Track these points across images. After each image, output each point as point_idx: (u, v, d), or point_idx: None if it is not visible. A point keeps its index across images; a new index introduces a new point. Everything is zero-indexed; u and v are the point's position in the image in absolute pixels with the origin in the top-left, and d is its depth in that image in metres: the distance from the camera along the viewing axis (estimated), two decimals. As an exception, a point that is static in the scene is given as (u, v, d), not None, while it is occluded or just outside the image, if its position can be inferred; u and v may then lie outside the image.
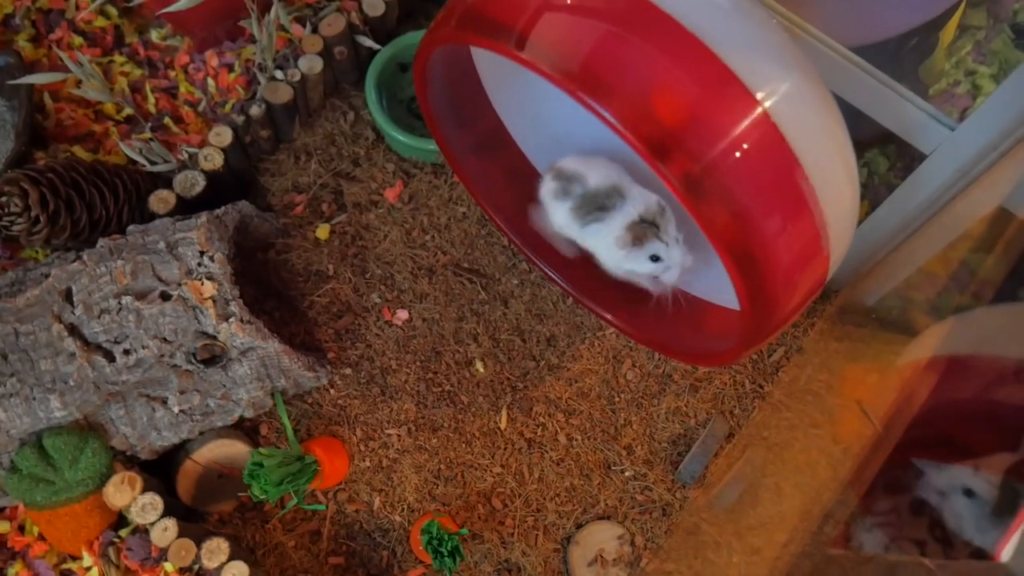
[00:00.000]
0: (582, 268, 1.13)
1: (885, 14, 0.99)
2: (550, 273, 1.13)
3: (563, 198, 0.97)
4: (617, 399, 1.13)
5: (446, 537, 0.97)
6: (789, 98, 0.73)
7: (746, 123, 0.71)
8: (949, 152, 0.89)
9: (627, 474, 1.10)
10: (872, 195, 1.08)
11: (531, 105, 1.08)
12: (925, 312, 1.20)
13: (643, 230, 0.92)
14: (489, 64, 1.02)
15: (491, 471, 1.09)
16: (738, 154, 0.72)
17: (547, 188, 0.99)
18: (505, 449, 1.10)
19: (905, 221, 1.02)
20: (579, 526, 1.07)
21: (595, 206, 0.95)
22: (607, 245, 0.96)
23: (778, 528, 1.11)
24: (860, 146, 0.80)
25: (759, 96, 0.71)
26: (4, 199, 0.99)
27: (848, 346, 1.20)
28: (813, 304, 1.18)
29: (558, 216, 0.99)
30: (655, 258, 0.94)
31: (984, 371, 1.09)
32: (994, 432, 1.07)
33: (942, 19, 1.02)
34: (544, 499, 1.08)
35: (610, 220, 0.94)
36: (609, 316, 1.10)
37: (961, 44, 1.10)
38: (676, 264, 0.94)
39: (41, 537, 0.99)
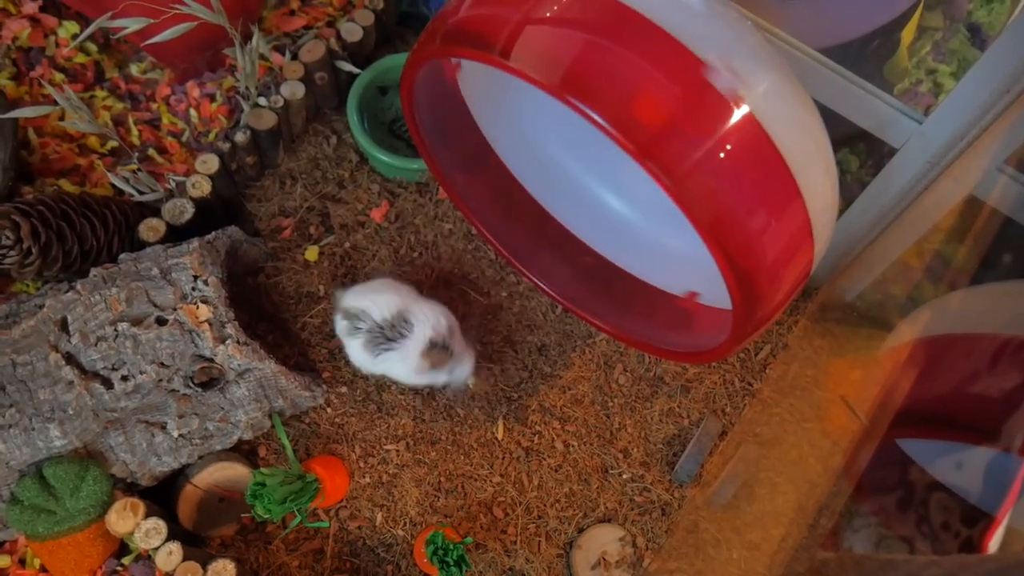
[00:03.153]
0: (570, 276, 1.16)
1: (846, 16, 1.03)
2: (539, 283, 1.15)
3: (354, 335, 1.03)
4: (611, 404, 1.15)
5: (451, 547, 0.98)
6: (770, 96, 0.76)
7: (731, 122, 0.74)
8: (918, 144, 0.93)
9: (625, 476, 1.11)
10: (846, 193, 1.12)
11: (513, 122, 1.10)
12: (903, 305, 1.23)
13: (439, 355, 1.01)
14: (472, 83, 1.05)
15: (491, 481, 1.10)
16: (724, 152, 0.74)
17: (339, 327, 1.05)
18: (503, 459, 1.11)
19: (879, 215, 1.06)
20: (580, 530, 1.08)
21: (383, 339, 1.01)
22: (403, 369, 1.03)
23: (775, 523, 1.13)
24: (831, 146, 0.84)
25: (741, 94, 0.74)
26: (-5, 233, 1.00)
27: (831, 342, 1.23)
28: (796, 302, 1.22)
29: (352, 352, 1.05)
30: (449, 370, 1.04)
31: (962, 349, 1.12)
32: (973, 407, 1.10)
33: (901, 20, 1.07)
34: (545, 506, 1.09)
35: (402, 347, 1.01)
36: (598, 322, 1.12)
37: (921, 44, 1.15)
38: (468, 367, 1.06)
39: (43, 569, 0.99)
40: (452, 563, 0.98)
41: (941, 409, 1.13)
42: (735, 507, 1.13)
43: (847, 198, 1.10)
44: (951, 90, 0.88)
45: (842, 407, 1.20)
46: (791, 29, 0.97)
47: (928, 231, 1.10)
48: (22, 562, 1.00)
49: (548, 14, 0.77)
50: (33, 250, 1.00)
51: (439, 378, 1.05)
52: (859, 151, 1.19)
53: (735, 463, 1.14)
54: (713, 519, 1.12)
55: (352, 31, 1.24)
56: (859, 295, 1.23)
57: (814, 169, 0.80)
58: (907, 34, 1.11)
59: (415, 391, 1.13)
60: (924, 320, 1.19)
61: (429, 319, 1.01)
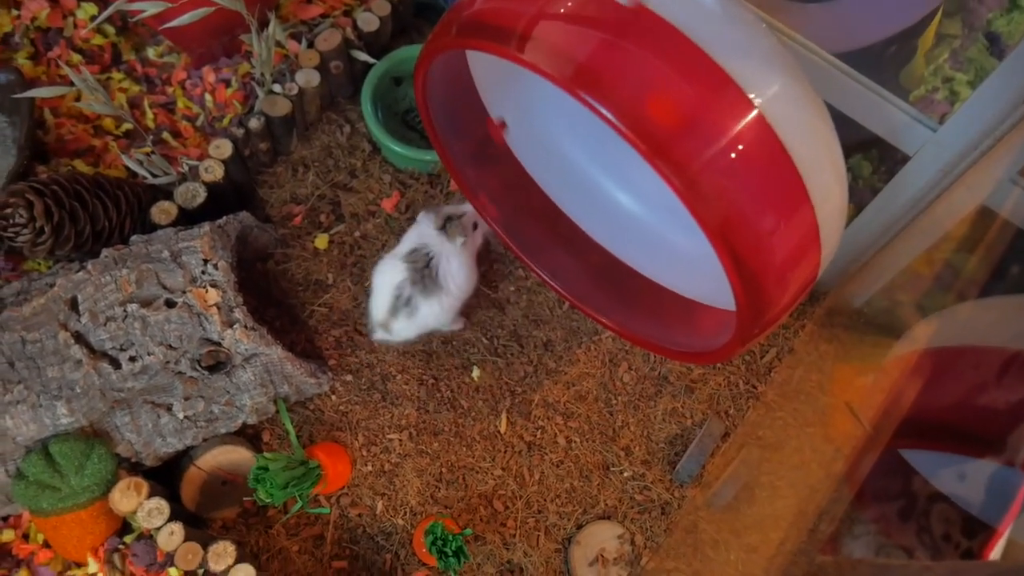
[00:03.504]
0: (578, 272, 1.16)
1: (864, 22, 1.03)
2: (547, 278, 1.15)
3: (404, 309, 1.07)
4: (614, 401, 1.15)
5: (450, 537, 0.99)
6: (782, 100, 0.75)
7: (742, 123, 0.74)
8: (932, 152, 0.93)
9: (626, 474, 1.12)
10: (857, 199, 1.12)
11: (526, 116, 1.10)
12: (911, 312, 1.23)
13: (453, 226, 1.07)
14: (485, 75, 1.05)
15: (492, 474, 1.10)
16: (734, 153, 0.74)
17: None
18: (505, 452, 1.11)
19: (890, 222, 1.05)
20: (580, 526, 1.09)
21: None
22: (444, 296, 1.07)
23: (774, 526, 1.13)
24: (844, 152, 0.83)
25: (753, 97, 0.74)
26: (9, 211, 1.00)
27: (837, 347, 1.23)
28: (803, 306, 1.21)
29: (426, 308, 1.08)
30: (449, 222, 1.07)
31: (969, 361, 1.12)
32: (979, 420, 1.09)
33: (919, 27, 1.06)
34: (545, 500, 1.10)
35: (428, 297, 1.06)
36: (605, 319, 1.12)
37: (938, 52, 1.14)
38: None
39: (46, 544, 1.00)
40: (451, 554, 0.98)
41: (946, 420, 1.13)
42: (735, 509, 1.14)
43: (858, 203, 1.10)
44: (967, 99, 0.88)
45: (846, 413, 1.20)
46: (809, 33, 0.96)
47: (939, 240, 1.10)
48: (26, 537, 1.01)
49: (563, 9, 0.77)
50: (46, 229, 1.01)
51: (456, 244, 1.07)
52: (872, 157, 1.18)
53: (736, 465, 1.14)
54: (712, 520, 1.12)
55: (369, 21, 1.24)
56: (867, 301, 1.22)
57: (824, 173, 0.80)
58: (925, 41, 1.11)
59: (420, 382, 1.13)
60: (932, 330, 1.18)
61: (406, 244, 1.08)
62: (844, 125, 0.97)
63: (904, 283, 1.19)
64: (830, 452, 1.18)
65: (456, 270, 1.07)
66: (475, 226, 1.12)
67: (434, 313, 1.07)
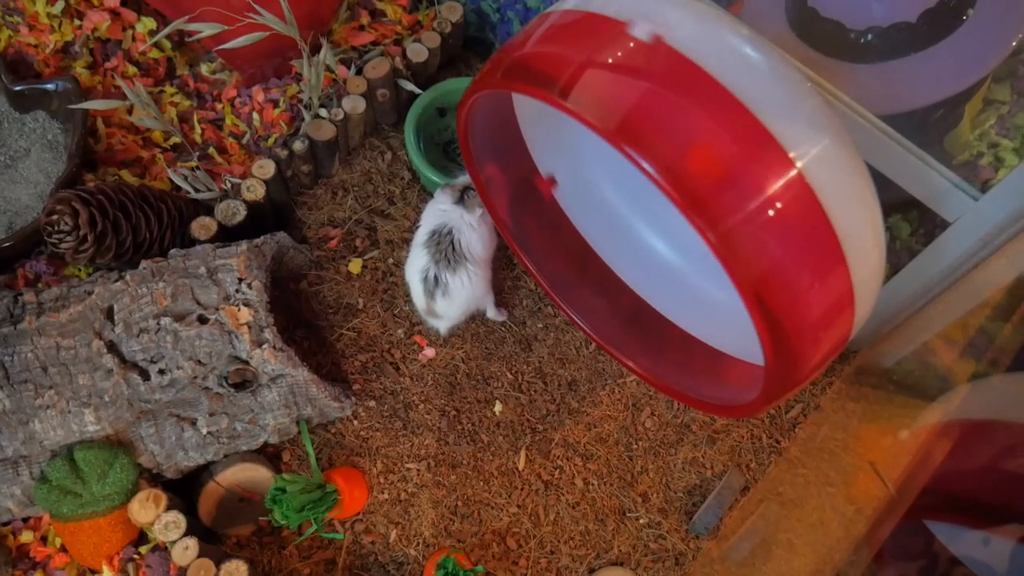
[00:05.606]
0: (608, 315, 1.16)
1: (914, 85, 1.02)
2: (575, 318, 1.15)
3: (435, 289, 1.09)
4: (635, 446, 1.14)
5: (462, 572, 0.98)
6: (823, 160, 0.75)
7: (781, 182, 0.73)
8: (973, 221, 0.92)
9: (642, 521, 1.11)
10: (894, 259, 1.11)
11: (567, 158, 1.11)
12: (942, 377, 1.21)
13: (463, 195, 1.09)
14: (535, 127, 1.06)
15: (507, 511, 1.10)
16: (771, 211, 0.74)
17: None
18: (522, 489, 1.11)
19: (926, 286, 1.04)
20: (591, 570, 1.08)
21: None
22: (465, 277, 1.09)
23: (789, 585, 1.11)
24: (883, 211, 0.83)
25: (794, 156, 0.74)
26: (55, 217, 1.03)
27: (864, 407, 1.21)
28: (832, 364, 1.20)
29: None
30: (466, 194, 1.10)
31: (999, 436, 1.10)
32: (1007, 498, 1.07)
33: (968, 92, 1.06)
34: (558, 541, 1.09)
35: (453, 280, 1.08)
36: (631, 363, 1.12)
37: (985, 117, 1.13)
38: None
39: (63, 549, 1.01)
40: (460, 589, 0.98)
41: (971, 491, 1.10)
42: (750, 565, 1.12)
43: (895, 265, 1.09)
44: (1012, 166, 0.87)
45: (869, 474, 1.18)
46: (855, 93, 0.96)
47: (975, 307, 1.08)
48: (44, 540, 1.02)
49: (611, 60, 0.78)
50: (89, 237, 1.03)
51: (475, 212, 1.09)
52: (911, 218, 1.17)
53: (755, 520, 1.13)
54: (727, 574, 1.10)
55: (418, 51, 1.26)
56: (898, 362, 1.21)
57: (862, 236, 0.80)
58: (972, 106, 1.10)
59: (442, 412, 1.13)
60: (962, 399, 1.16)
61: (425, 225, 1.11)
62: (885, 185, 0.96)
63: (936, 347, 1.18)
64: (851, 513, 1.16)
65: (477, 240, 1.09)
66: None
67: (465, 286, 1.09)
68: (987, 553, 1.12)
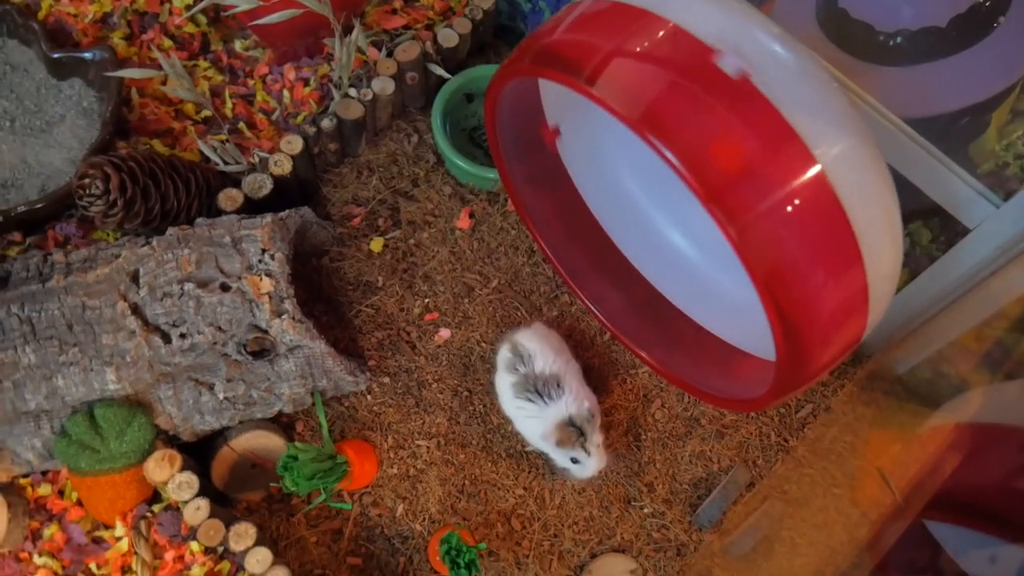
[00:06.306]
0: (622, 304, 1.17)
1: (941, 90, 1.02)
2: (590, 305, 1.16)
3: (510, 372, 1.06)
4: (643, 437, 1.15)
5: (465, 549, 1.00)
6: (845, 159, 0.76)
7: (802, 179, 0.74)
8: (993, 228, 0.92)
9: (646, 510, 1.12)
10: (912, 264, 1.11)
11: (590, 147, 1.12)
12: (956, 387, 1.21)
13: (570, 434, 1.02)
14: (555, 103, 1.07)
15: (514, 492, 1.11)
16: (791, 207, 0.75)
17: (501, 357, 1.09)
18: (529, 472, 1.12)
19: (943, 293, 1.04)
20: (593, 556, 1.09)
21: (532, 389, 1.04)
22: (532, 426, 1.06)
23: (789, 583, 1.12)
24: (905, 216, 0.83)
25: (816, 154, 0.75)
26: (87, 180, 1.05)
27: (875, 412, 1.22)
28: (844, 366, 1.20)
29: (501, 384, 1.09)
30: (574, 460, 1.04)
31: (1012, 442, 1.10)
32: (1019, 505, 1.07)
33: (995, 101, 1.05)
34: (562, 525, 1.10)
35: (543, 407, 1.03)
36: (644, 354, 1.13)
37: (1013, 128, 1.13)
38: (592, 470, 1.04)
39: (79, 503, 1.03)
40: (463, 565, 0.99)
41: (981, 499, 1.10)
42: (751, 560, 1.13)
43: (913, 270, 1.09)
44: (1036, 178, 0.87)
45: (876, 479, 1.18)
46: (882, 95, 0.96)
47: (991, 316, 1.08)
48: (61, 493, 1.05)
49: (639, 49, 0.79)
50: (119, 202, 1.05)
51: (558, 457, 1.06)
52: (932, 225, 1.17)
53: (758, 516, 1.14)
54: (727, 568, 1.11)
55: (449, 37, 1.28)
56: (911, 369, 1.21)
57: (880, 237, 0.80)
58: (999, 115, 1.09)
59: (455, 392, 1.15)
60: (975, 404, 1.16)
61: (578, 396, 1.04)
62: (907, 190, 0.96)
63: (951, 356, 1.18)
64: (856, 516, 1.16)
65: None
66: (591, 415, 1.04)
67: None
68: (994, 570, 1.12)
